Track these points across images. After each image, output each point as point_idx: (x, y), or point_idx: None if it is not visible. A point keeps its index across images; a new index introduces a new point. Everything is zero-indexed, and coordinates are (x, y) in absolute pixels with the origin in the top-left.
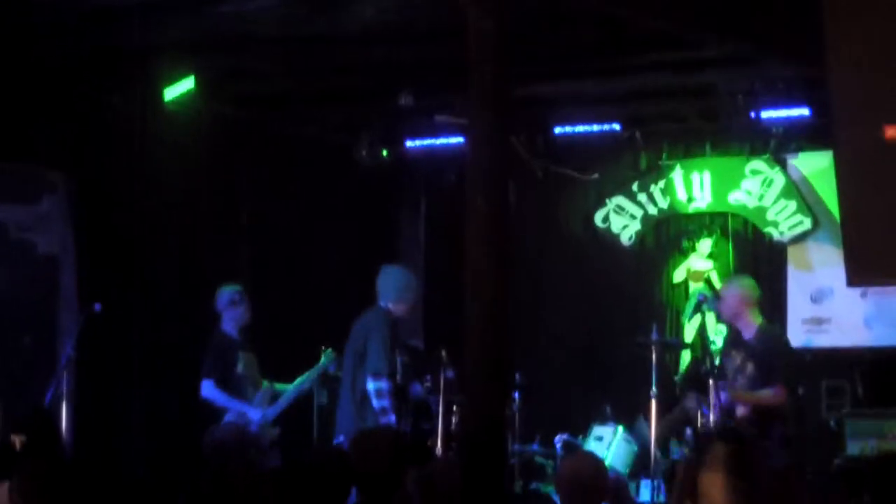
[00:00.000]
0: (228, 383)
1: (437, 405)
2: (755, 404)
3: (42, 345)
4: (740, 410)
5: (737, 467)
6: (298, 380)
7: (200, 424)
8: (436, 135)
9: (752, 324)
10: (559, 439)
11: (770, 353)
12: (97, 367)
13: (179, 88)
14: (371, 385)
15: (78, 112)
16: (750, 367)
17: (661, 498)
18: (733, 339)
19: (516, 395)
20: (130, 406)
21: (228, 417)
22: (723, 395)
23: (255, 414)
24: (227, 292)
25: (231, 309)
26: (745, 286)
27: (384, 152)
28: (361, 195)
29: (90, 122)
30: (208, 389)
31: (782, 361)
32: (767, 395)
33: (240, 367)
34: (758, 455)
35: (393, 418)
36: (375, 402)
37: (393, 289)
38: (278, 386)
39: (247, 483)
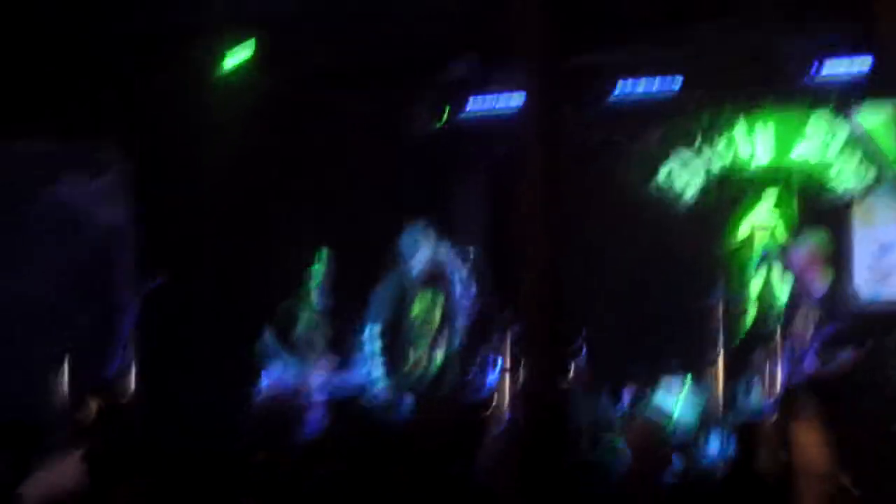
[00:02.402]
0: (287, 341)
1: (503, 364)
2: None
3: (103, 319)
4: (809, 368)
5: (832, 422)
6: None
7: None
8: (490, 105)
9: (822, 281)
10: (627, 391)
11: (844, 314)
12: (159, 341)
13: (239, 56)
14: (373, 344)
15: (134, 89)
16: (823, 328)
17: (731, 450)
18: (802, 296)
19: (584, 349)
20: (192, 378)
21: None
22: (808, 362)
23: (291, 370)
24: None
25: (312, 273)
26: (817, 242)
27: (439, 124)
28: (416, 168)
29: (146, 98)
30: (265, 337)
31: (858, 322)
32: (848, 359)
33: (299, 329)
34: (853, 410)
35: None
36: (379, 359)
37: (404, 243)
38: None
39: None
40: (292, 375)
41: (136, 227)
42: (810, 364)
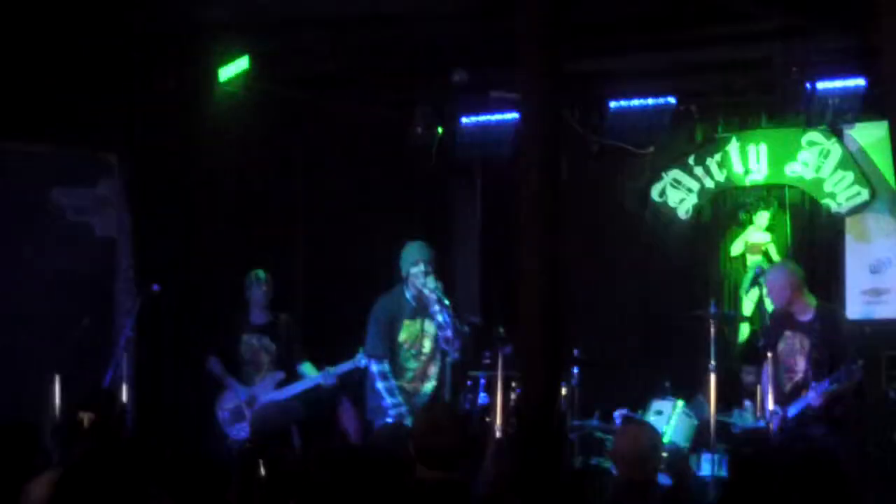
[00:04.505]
0: (231, 363)
1: (496, 381)
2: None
3: (100, 326)
4: (810, 397)
5: None
6: (318, 373)
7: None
8: (491, 111)
9: (807, 305)
10: (618, 414)
11: (836, 336)
12: (155, 348)
13: (234, 69)
14: (373, 367)
15: (133, 94)
16: (814, 351)
17: (722, 472)
18: (784, 320)
19: (576, 370)
20: (188, 386)
21: (225, 393)
22: (812, 396)
23: (241, 393)
24: (248, 276)
25: (248, 292)
26: (790, 270)
27: (439, 130)
28: (416, 174)
29: (145, 104)
30: (209, 363)
31: (851, 343)
32: (848, 383)
33: (241, 349)
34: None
35: (392, 400)
36: (379, 384)
37: (402, 263)
38: (307, 370)
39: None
40: (241, 395)
41: (134, 234)
42: (815, 396)
